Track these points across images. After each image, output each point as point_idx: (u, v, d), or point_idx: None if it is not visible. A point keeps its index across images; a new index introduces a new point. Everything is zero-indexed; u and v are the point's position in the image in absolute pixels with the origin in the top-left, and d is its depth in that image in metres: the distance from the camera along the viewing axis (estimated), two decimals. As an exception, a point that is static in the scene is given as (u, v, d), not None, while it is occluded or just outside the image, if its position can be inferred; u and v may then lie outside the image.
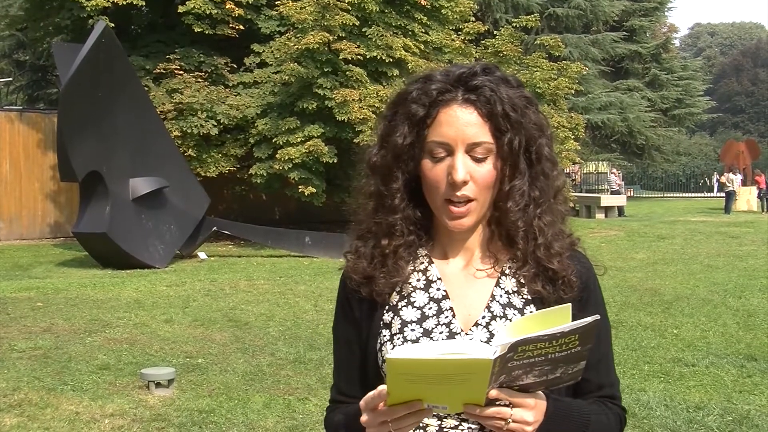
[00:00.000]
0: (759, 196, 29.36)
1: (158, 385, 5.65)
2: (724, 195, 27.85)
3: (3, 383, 5.84)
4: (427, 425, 1.38)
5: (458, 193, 1.37)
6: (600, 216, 23.82)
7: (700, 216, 24.17)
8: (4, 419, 5.09)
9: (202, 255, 14.41)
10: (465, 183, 1.37)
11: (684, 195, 41.17)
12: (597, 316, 1.24)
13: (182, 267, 12.97)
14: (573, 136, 19.41)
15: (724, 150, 38.02)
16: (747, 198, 28.99)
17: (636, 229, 18.87)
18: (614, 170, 32.91)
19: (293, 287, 10.63)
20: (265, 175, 15.93)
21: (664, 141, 37.52)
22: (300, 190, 15.55)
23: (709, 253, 14.32)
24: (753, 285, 10.50)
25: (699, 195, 39.44)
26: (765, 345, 7.17)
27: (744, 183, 30.28)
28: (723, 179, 28.22)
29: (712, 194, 31.77)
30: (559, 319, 1.25)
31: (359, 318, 1.49)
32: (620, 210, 24.95)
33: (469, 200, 1.38)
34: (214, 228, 14.60)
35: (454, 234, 1.46)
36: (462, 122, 1.37)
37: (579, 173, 33.31)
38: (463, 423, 1.37)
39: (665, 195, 41.35)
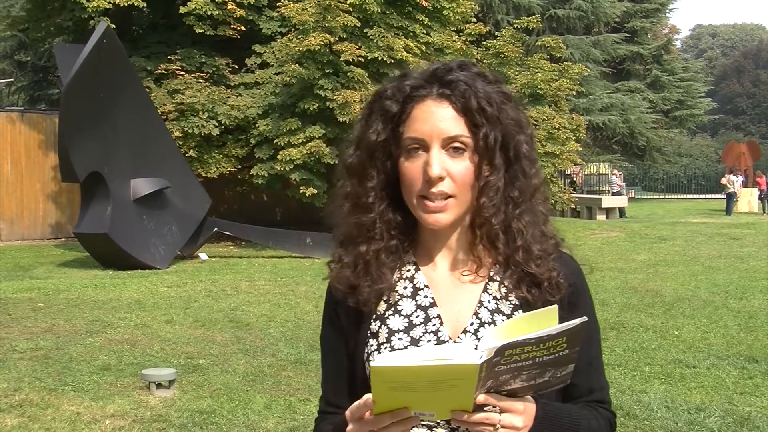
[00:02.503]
0: (760, 198, 29.36)
1: (159, 385, 5.65)
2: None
3: (4, 384, 5.85)
4: None
5: (434, 190, 1.34)
6: (601, 217, 23.82)
7: (701, 217, 24.17)
8: (5, 420, 5.10)
9: (203, 256, 14.41)
10: (441, 179, 1.33)
11: (685, 196, 41.15)
12: (584, 318, 1.22)
13: (183, 268, 12.96)
14: (574, 138, 19.41)
15: (725, 151, 37.96)
16: (748, 199, 29.00)
17: (637, 231, 18.85)
18: (615, 171, 32.84)
19: (294, 288, 10.63)
20: (266, 175, 15.93)
21: (665, 142, 37.49)
22: (301, 191, 15.55)
23: (710, 254, 14.31)
24: (754, 286, 10.50)
25: (708, 196, 39.16)
26: (766, 346, 7.16)
27: (745, 184, 30.26)
28: (724, 181, 28.22)
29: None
30: (545, 322, 1.22)
31: (346, 327, 1.46)
32: (621, 211, 24.96)
33: (447, 197, 1.35)
34: (215, 229, 14.59)
35: (438, 236, 1.43)
36: (436, 117, 1.35)
37: (580, 174, 33.23)
38: None
39: (666, 196, 41.33)
